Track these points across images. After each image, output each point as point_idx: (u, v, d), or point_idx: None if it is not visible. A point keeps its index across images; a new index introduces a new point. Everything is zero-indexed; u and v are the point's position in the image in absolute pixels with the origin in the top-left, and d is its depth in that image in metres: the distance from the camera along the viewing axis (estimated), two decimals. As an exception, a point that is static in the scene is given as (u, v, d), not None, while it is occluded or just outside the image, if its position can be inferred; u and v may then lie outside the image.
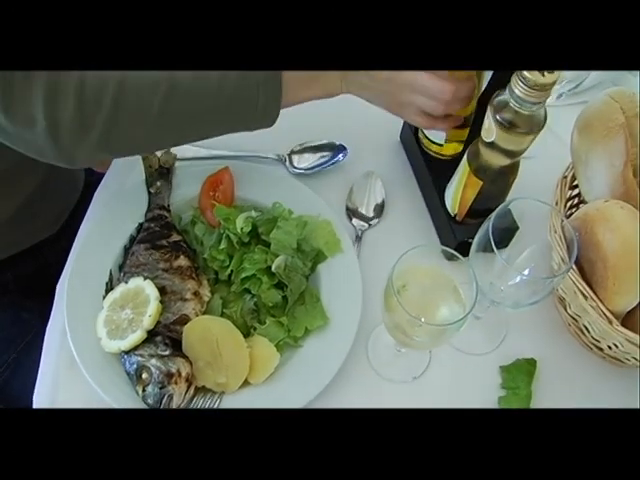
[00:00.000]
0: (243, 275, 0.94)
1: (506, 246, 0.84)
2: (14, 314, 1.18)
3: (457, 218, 1.01)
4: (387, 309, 0.83)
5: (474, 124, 0.99)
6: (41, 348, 0.96)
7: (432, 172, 1.08)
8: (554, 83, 0.77)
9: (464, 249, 0.86)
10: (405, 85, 0.87)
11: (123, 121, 0.80)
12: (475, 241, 0.86)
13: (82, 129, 0.78)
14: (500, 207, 0.84)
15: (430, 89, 0.86)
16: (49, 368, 0.94)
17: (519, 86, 0.77)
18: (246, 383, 0.90)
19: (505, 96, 0.81)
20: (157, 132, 0.84)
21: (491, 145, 0.86)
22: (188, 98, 0.82)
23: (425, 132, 1.07)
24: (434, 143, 1.06)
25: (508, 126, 0.82)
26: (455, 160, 1.00)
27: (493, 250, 0.81)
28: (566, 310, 0.96)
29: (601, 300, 0.86)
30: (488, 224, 0.82)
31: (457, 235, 1.01)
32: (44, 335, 0.97)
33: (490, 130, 0.85)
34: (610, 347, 0.92)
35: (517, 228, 0.89)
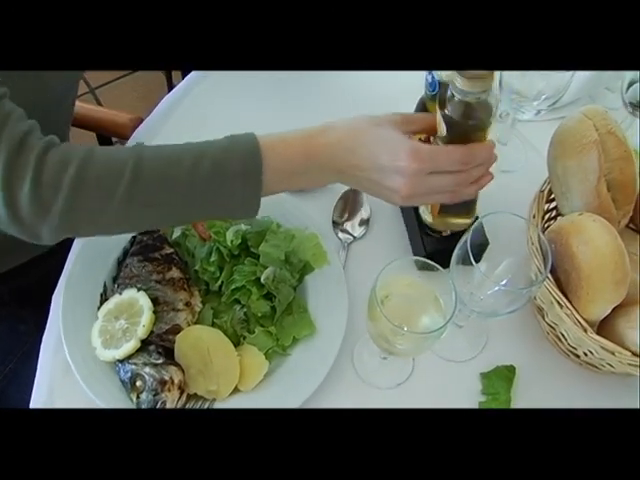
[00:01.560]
0: (233, 286, 0.97)
1: (478, 260, 0.87)
2: (10, 326, 1.20)
3: (433, 215, 1.03)
4: (371, 319, 0.86)
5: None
6: (37, 359, 0.98)
7: None
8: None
9: (434, 260, 0.88)
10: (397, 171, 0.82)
11: (84, 205, 0.76)
12: (454, 254, 0.89)
13: (41, 210, 0.75)
14: (476, 222, 0.88)
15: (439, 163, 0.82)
16: (45, 377, 0.96)
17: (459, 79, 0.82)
18: (236, 390, 0.93)
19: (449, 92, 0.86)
20: (125, 217, 0.79)
21: (443, 139, 0.88)
22: (156, 185, 0.77)
23: None
24: None
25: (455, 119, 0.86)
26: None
27: (471, 263, 0.85)
28: (544, 319, 1.00)
29: (576, 309, 0.89)
30: (466, 238, 0.86)
31: (427, 246, 1.04)
32: (40, 347, 0.99)
33: (440, 125, 0.87)
34: (586, 354, 0.95)
35: (487, 243, 0.94)
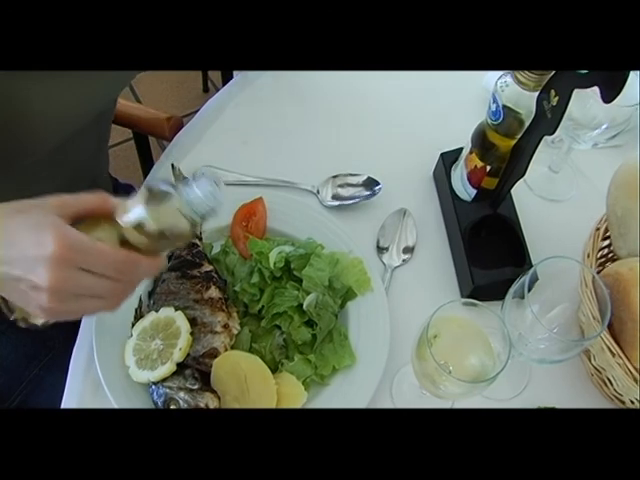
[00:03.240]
0: (274, 311, 0.94)
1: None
2: (36, 330, 1.16)
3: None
4: (419, 357, 0.83)
5: (505, 173, 1.00)
6: (63, 365, 0.95)
7: (458, 214, 1.07)
8: None
9: (480, 294, 0.88)
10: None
11: None
12: (510, 291, 0.87)
13: None
14: (537, 264, 0.85)
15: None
16: (74, 393, 0.94)
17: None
18: (271, 420, 0.91)
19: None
20: None
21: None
22: None
23: (454, 186, 1.08)
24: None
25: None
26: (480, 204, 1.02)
27: (524, 304, 0.82)
28: (590, 361, 0.96)
29: (628, 358, 0.86)
30: (523, 280, 0.83)
31: (475, 278, 1.01)
32: (66, 353, 0.96)
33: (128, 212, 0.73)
34: (632, 402, 0.92)
35: (537, 279, 0.89)
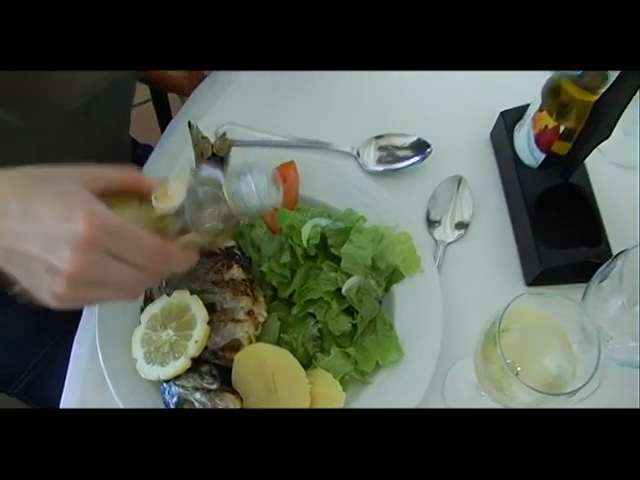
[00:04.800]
0: (308, 297, 0.83)
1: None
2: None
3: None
4: (484, 357, 0.72)
5: (582, 134, 0.88)
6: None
7: (522, 182, 0.95)
8: None
9: (547, 277, 0.83)
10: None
11: None
12: (594, 277, 0.76)
13: None
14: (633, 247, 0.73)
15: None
16: (75, 387, 0.85)
17: None
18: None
19: None
20: None
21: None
22: None
23: (517, 149, 0.96)
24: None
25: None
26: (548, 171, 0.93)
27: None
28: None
29: None
30: (619, 262, 0.72)
31: (543, 260, 0.89)
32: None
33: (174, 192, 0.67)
34: None
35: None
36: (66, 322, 0.99)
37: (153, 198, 0.63)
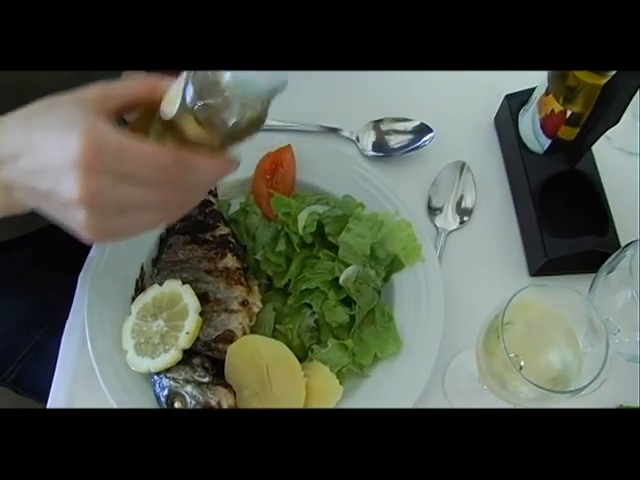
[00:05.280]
0: (304, 287, 0.80)
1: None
2: (39, 293, 1.06)
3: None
4: (486, 351, 0.69)
5: (590, 119, 0.85)
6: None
7: (527, 168, 0.92)
8: None
9: (552, 267, 0.83)
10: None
11: None
12: (602, 268, 0.74)
13: None
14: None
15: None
16: (65, 376, 0.83)
17: None
18: (299, 419, 0.77)
19: None
20: None
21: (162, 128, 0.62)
22: None
23: (522, 134, 0.94)
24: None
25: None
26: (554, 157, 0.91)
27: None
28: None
29: None
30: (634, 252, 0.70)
31: (548, 250, 0.87)
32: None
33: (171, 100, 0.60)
34: None
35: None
36: (57, 312, 0.98)
37: (164, 105, 0.57)
